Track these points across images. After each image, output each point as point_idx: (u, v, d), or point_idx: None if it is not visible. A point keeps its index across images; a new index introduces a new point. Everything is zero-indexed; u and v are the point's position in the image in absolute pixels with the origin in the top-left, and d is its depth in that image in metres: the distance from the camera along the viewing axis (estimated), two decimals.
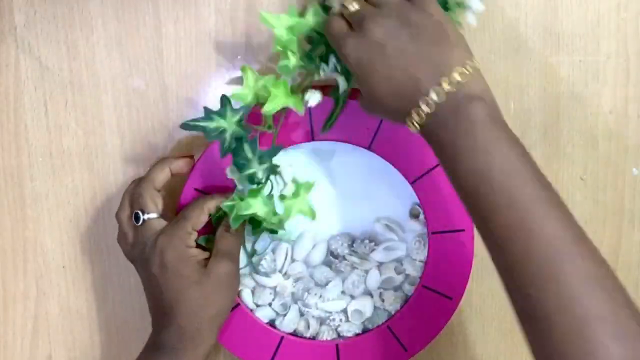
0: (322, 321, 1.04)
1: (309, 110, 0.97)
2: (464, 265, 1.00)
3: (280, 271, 1.03)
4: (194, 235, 0.97)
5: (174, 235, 0.95)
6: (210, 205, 0.97)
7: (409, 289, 1.03)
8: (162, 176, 0.98)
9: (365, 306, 1.02)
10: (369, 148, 0.98)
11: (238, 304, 1.02)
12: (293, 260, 1.03)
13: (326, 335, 1.03)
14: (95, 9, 1.01)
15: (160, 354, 0.95)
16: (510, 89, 1.02)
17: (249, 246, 1.02)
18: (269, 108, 0.93)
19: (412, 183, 0.98)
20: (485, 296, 1.06)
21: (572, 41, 1.01)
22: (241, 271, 1.03)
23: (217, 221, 0.99)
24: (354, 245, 1.02)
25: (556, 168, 1.03)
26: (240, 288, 1.03)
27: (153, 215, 0.97)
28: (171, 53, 1.02)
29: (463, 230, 0.99)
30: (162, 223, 0.97)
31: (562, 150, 1.03)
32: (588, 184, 1.04)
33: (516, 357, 1.07)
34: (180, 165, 0.99)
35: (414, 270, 1.02)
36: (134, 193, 0.98)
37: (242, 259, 1.02)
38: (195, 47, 1.02)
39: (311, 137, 0.98)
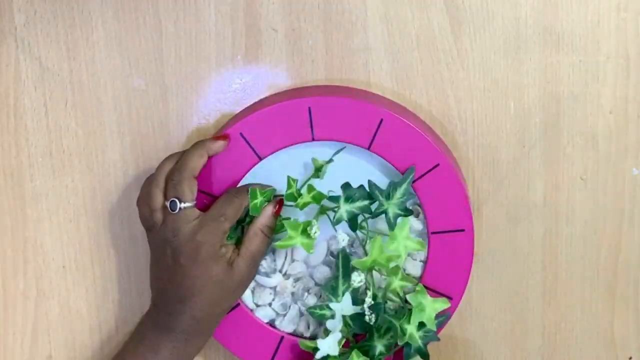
0: (322, 321, 1.03)
1: (309, 110, 0.97)
2: (464, 265, 1.00)
3: (280, 271, 1.03)
4: (229, 231, 0.98)
5: (212, 233, 0.96)
6: (246, 202, 0.98)
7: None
8: (200, 163, 0.98)
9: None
10: (368, 148, 0.98)
11: (238, 304, 1.02)
12: (293, 260, 1.03)
13: None
14: (95, 9, 1.01)
15: (171, 338, 0.97)
16: (510, 89, 1.02)
17: None
18: (282, 245, 0.98)
19: (412, 183, 0.98)
20: (485, 296, 1.06)
21: (572, 41, 1.01)
22: None
23: (250, 215, 0.99)
24: (354, 245, 1.02)
25: (556, 168, 1.03)
26: None
27: (190, 204, 0.97)
28: (171, 53, 1.02)
29: (463, 230, 0.99)
30: (196, 212, 0.97)
31: (562, 150, 1.03)
32: (588, 184, 1.04)
33: (516, 357, 1.07)
34: (217, 147, 0.98)
35: (414, 270, 1.02)
36: (172, 179, 0.97)
37: None
38: (195, 47, 1.02)
39: (311, 137, 0.98)
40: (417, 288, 0.99)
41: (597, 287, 1.06)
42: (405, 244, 0.98)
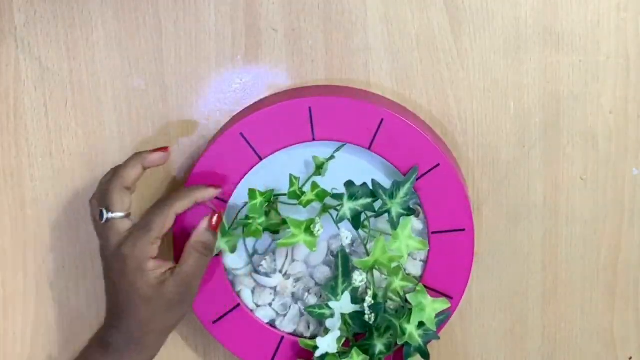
0: (322, 321, 1.03)
1: (310, 110, 0.97)
2: (464, 264, 1.00)
3: (280, 271, 1.03)
4: (158, 243, 0.95)
5: (136, 246, 0.93)
6: (178, 209, 0.95)
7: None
8: (133, 173, 0.96)
9: None
10: (369, 148, 0.98)
11: (238, 304, 1.02)
12: (293, 261, 1.03)
13: None
14: (95, 9, 1.01)
15: (105, 352, 0.95)
16: (510, 89, 1.02)
17: (250, 246, 1.02)
18: (284, 243, 0.98)
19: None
20: (485, 296, 1.06)
21: (572, 41, 1.01)
22: (241, 271, 1.03)
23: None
24: (354, 244, 1.02)
25: (556, 168, 1.03)
26: (240, 288, 1.03)
27: (118, 214, 0.95)
28: (171, 53, 1.02)
29: (463, 229, 0.99)
30: (127, 224, 0.95)
31: (562, 150, 1.03)
32: (588, 184, 1.04)
33: (516, 357, 1.07)
34: (154, 159, 0.96)
35: (414, 269, 1.02)
36: (101, 188, 0.96)
37: (243, 258, 1.02)
38: (195, 47, 1.02)
39: (312, 137, 0.98)
40: (418, 288, 0.99)
41: (597, 287, 1.06)
42: (407, 244, 0.98)
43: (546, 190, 1.04)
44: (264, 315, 1.04)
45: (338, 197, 0.98)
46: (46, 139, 1.04)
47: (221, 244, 0.99)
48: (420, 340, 0.99)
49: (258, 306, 1.04)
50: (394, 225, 0.97)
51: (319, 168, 0.99)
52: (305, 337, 1.04)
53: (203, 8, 1.01)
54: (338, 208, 0.98)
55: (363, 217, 0.98)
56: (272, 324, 1.04)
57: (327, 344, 1.00)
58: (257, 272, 1.02)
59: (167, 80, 1.03)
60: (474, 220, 1.00)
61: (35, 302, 1.07)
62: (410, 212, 0.98)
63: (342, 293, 0.99)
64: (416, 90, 1.02)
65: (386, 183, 0.99)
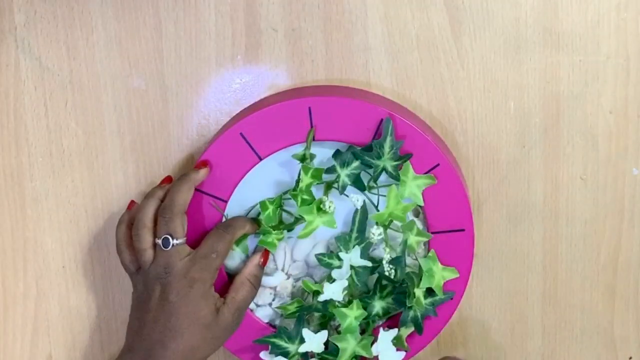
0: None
1: (309, 109, 0.97)
2: (464, 265, 1.00)
3: (282, 269, 1.03)
4: (219, 269, 0.97)
5: (204, 270, 0.95)
6: (237, 236, 0.98)
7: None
8: (189, 197, 0.97)
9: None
10: None
11: None
12: (294, 261, 1.03)
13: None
14: (95, 9, 1.01)
15: None
16: (510, 89, 1.02)
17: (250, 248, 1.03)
18: (304, 234, 0.99)
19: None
20: (485, 296, 1.06)
21: (572, 41, 1.01)
22: None
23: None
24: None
25: (556, 168, 1.03)
26: None
27: (181, 240, 0.96)
28: (171, 53, 1.02)
29: (463, 230, 0.99)
30: (187, 249, 0.96)
31: (562, 150, 1.03)
32: (588, 184, 1.04)
33: (516, 357, 1.07)
34: (201, 176, 0.98)
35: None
36: (163, 216, 0.96)
37: (243, 259, 1.02)
38: (195, 47, 1.02)
39: (312, 137, 0.98)
40: (430, 254, 0.98)
41: (597, 287, 1.06)
42: (416, 184, 0.97)
43: (546, 190, 1.04)
44: (263, 315, 1.04)
45: (332, 169, 0.98)
46: (46, 139, 1.04)
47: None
48: (418, 313, 0.99)
49: (258, 306, 1.04)
50: (396, 177, 0.97)
51: (303, 159, 0.98)
52: None
53: (203, 8, 1.01)
54: (337, 180, 0.98)
55: (367, 180, 0.98)
56: (271, 323, 1.04)
57: (333, 291, 0.99)
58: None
59: (167, 80, 1.03)
60: (474, 220, 1.00)
61: (35, 302, 1.07)
62: (403, 158, 0.97)
63: (354, 247, 0.99)
64: (416, 90, 1.02)
65: (385, 183, 0.99)
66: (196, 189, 0.98)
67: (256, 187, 0.99)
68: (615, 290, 1.06)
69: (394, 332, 1.00)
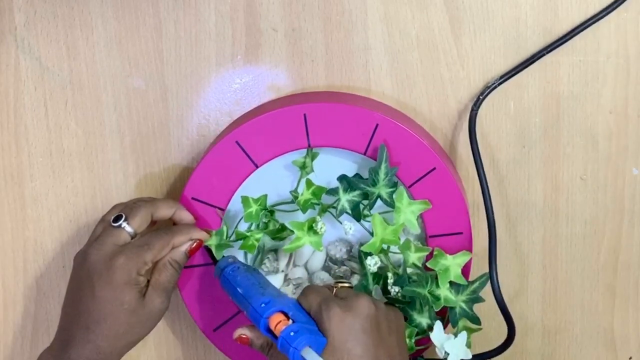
0: None
1: (305, 117, 0.96)
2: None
3: (283, 271, 1.03)
4: (149, 265, 0.95)
5: (131, 260, 0.94)
6: (176, 241, 0.96)
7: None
8: (164, 211, 0.98)
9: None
10: (365, 154, 0.98)
11: (238, 311, 1.02)
12: (294, 265, 1.03)
13: None
14: (95, 9, 1.01)
15: None
16: (510, 89, 1.02)
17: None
18: (290, 248, 0.98)
19: (409, 187, 0.98)
20: (485, 296, 1.06)
21: (572, 41, 1.01)
22: None
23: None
24: (353, 250, 1.02)
25: (556, 168, 1.03)
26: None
27: (130, 228, 0.95)
28: (171, 53, 1.02)
29: (461, 233, 0.99)
30: (127, 239, 0.95)
31: (562, 150, 1.03)
32: (588, 184, 1.04)
33: (516, 357, 1.07)
34: (182, 217, 0.98)
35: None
36: (132, 202, 0.98)
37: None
38: (195, 47, 1.02)
39: (307, 144, 0.98)
40: (435, 252, 0.98)
41: (597, 287, 1.06)
42: (411, 210, 0.97)
43: (546, 190, 1.04)
44: None
45: (334, 191, 0.98)
46: (46, 139, 1.04)
47: (217, 255, 1.00)
48: (465, 305, 0.98)
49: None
50: (391, 204, 0.97)
51: (303, 167, 0.99)
52: None
53: (203, 8, 1.01)
54: (336, 205, 0.98)
55: (362, 207, 0.98)
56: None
57: None
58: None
59: (167, 80, 1.03)
60: (473, 220, 1.00)
61: (35, 302, 1.07)
62: (396, 185, 0.97)
63: (374, 287, 0.99)
64: (416, 90, 1.02)
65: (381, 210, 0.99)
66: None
67: (253, 194, 0.99)
68: (615, 290, 1.06)
69: (463, 336, 0.99)
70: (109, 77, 1.03)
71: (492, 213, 1.00)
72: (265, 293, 0.93)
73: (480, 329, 0.99)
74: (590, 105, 1.02)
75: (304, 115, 0.97)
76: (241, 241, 0.98)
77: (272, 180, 0.99)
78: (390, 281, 0.98)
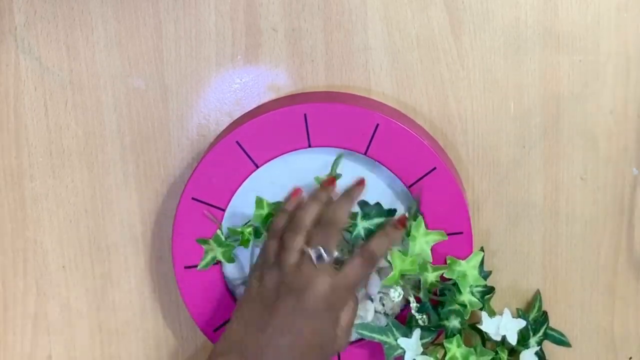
0: None
1: (305, 117, 0.97)
2: None
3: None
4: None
5: (344, 302, 0.93)
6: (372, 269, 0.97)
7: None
8: (348, 215, 0.96)
9: (366, 311, 1.02)
10: (365, 153, 0.98)
11: None
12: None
13: None
14: (95, 9, 1.01)
15: None
16: (510, 89, 1.02)
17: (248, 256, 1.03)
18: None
19: (409, 187, 0.98)
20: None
21: (572, 41, 1.01)
22: (240, 281, 1.03)
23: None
24: (354, 250, 1.02)
25: (556, 168, 1.03)
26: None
27: (330, 258, 0.93)
28: (171, 53, 1.02)
29: (461, 233, 0.99)
30: (332, 270, 0.93)
31: (562, 150, 1.03)
32: (588, 184, 1.04)
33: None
34: (360, 193, 0.97)
35: None
36: (325, 227, 0.94)
37: (243, 269, 1.03)
38: (195, 47, 1.02)
39: (308, 144, 0.98)
40: (448, 261, 0.98)
41: (597, 287, 1.06)
42: (426, 240, 0.98)
43: (546, 190, 1.04)
44: None
45: (352, 216, 0.98)
46: (46, 139, 1.04)
47: (217, 254, 1.00)
48: (479, 298, 0.99)
49: None
50: (407, 233, 0.98)
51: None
52: None
53: (203, 8, 1.01)
54: (351, 228, 0.98)
55: None
56: None
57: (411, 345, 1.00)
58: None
59: (167, 80, 1.03)
60: (473, 220, 1.00)
61: (36, 302, 1.07)
62: (417, 216, 0.98)
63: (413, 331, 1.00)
64: (416, 90, 1.02)
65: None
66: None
67: (254, 195, 0.99)
68: (615, 290, 1.06)
69: (533, 349, 1.01)
70: (109, 77, 1.03)
71: None
72: None
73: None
74: (590, 105, 1.02)
75: (304, 115, 0.97)
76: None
77: (272, 180, 0.99)
78: (413, 307, 0.99)
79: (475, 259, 0.98)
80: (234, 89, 1.03)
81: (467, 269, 0.98)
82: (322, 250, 0.92)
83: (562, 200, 1.04)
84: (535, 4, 1.00)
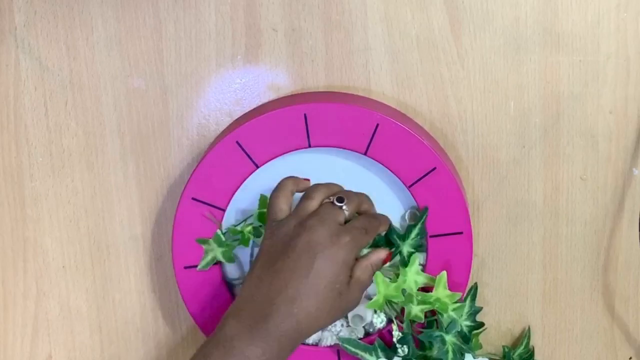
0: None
1: (305, 117, 0.97)
2: (463, 267, 0.99)
3: None
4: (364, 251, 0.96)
5: (355, 241, 0.93)
6: (382, 229, 0.97)
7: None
8: (366, 207, 0.98)
9: (366, 311, 1.02)
10: (365, 153, 0.98)
11: None
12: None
13: (328, 341, 1.03)
14: (95, 9, 1.01)
15: (263, 346, 0.87)
16: (510, 89, 1.02)
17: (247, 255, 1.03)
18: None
19: (409, 187, 0.98)
20: (485, 296, 1.06)
21: (572, 41, 1.01)
22: (240, 281, 1.03)
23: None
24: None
25: (556, 168, 1.03)
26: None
27: (347, 213, 0.94)
28: (171, 53, 1.02)
29: (461, 232, 0.99)
30: (344, 220, 0.94)
31: (562, 150, 1.03)
32: (588, 184, 1.04)
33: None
34: (382, 230, 0.99)
35: None
36: (346, 193, 0.96)
37: (243, 269, 1.03)
38: (195, 47, 1.02)
39: (308, 144, 0.98)
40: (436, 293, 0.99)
41: (597, 287, 1.06)
42: (415, 279, 0.98)
43: (546, 190, 1.04)
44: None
45: None
46: (46, 139, 1.04)
47: (217, 254, 1.00)
48: (468, 322, 0.99)
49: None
50: (404, 263, 0.98)
51: None
52: (307, 344, 1.03)
53: (203, 8, 1.01)
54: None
55: None
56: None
57: None
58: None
59: (167, 80, 1.03)
60: (474, 220, 1.00)
61: (35, 302, 1.07)
62: (419, 249, 0.98)
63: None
64: (416, 90, 1.02)
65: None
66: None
67: (253, 195, 0.99)
68: (615, 290, 1.06)
69: None
70: (109, 77, 1.03)
71: None
72: None
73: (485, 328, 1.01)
74: (590, 105, 1.02)
75: (304, 115, 0.97)
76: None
77: (272, 180, 0.99)
78: (395, 335, 0.99)
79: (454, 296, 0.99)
80: (234, 89, 1.03)
81: (449, 304, 0.98)
82: (344, 198, 0.94)
83: (562, 200, 1.04)
84: (535, 4, 1.00)
